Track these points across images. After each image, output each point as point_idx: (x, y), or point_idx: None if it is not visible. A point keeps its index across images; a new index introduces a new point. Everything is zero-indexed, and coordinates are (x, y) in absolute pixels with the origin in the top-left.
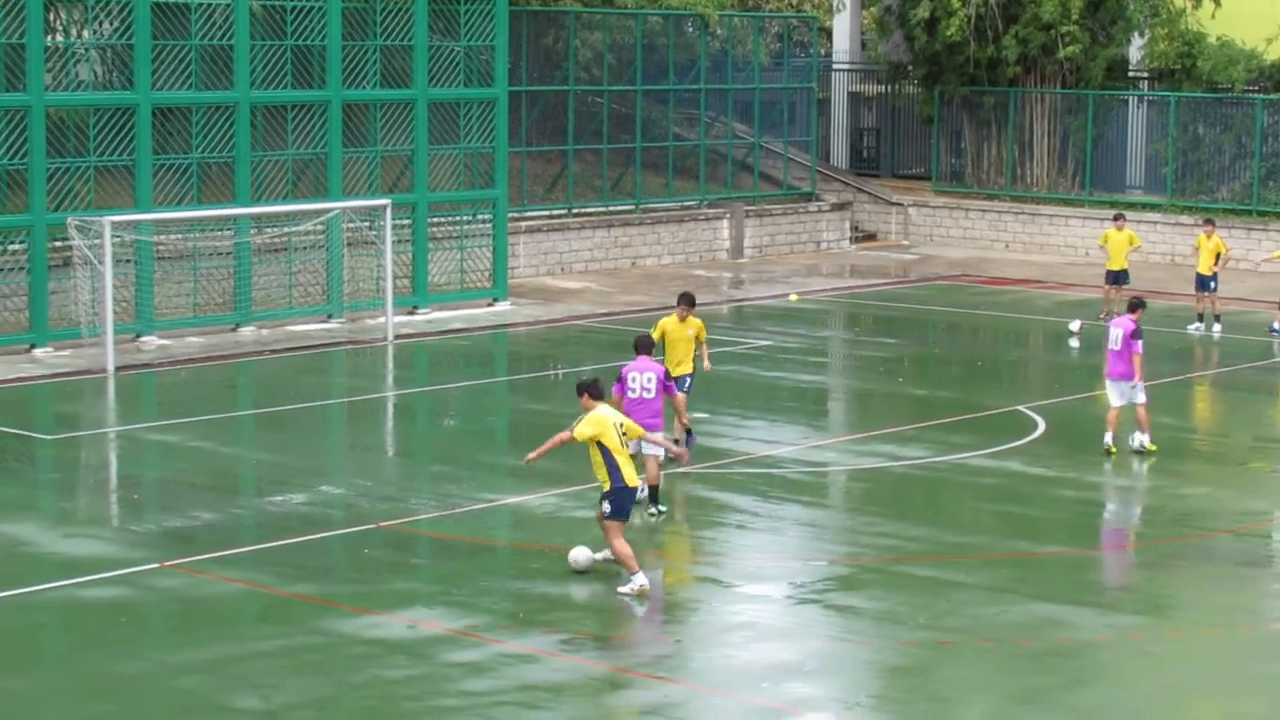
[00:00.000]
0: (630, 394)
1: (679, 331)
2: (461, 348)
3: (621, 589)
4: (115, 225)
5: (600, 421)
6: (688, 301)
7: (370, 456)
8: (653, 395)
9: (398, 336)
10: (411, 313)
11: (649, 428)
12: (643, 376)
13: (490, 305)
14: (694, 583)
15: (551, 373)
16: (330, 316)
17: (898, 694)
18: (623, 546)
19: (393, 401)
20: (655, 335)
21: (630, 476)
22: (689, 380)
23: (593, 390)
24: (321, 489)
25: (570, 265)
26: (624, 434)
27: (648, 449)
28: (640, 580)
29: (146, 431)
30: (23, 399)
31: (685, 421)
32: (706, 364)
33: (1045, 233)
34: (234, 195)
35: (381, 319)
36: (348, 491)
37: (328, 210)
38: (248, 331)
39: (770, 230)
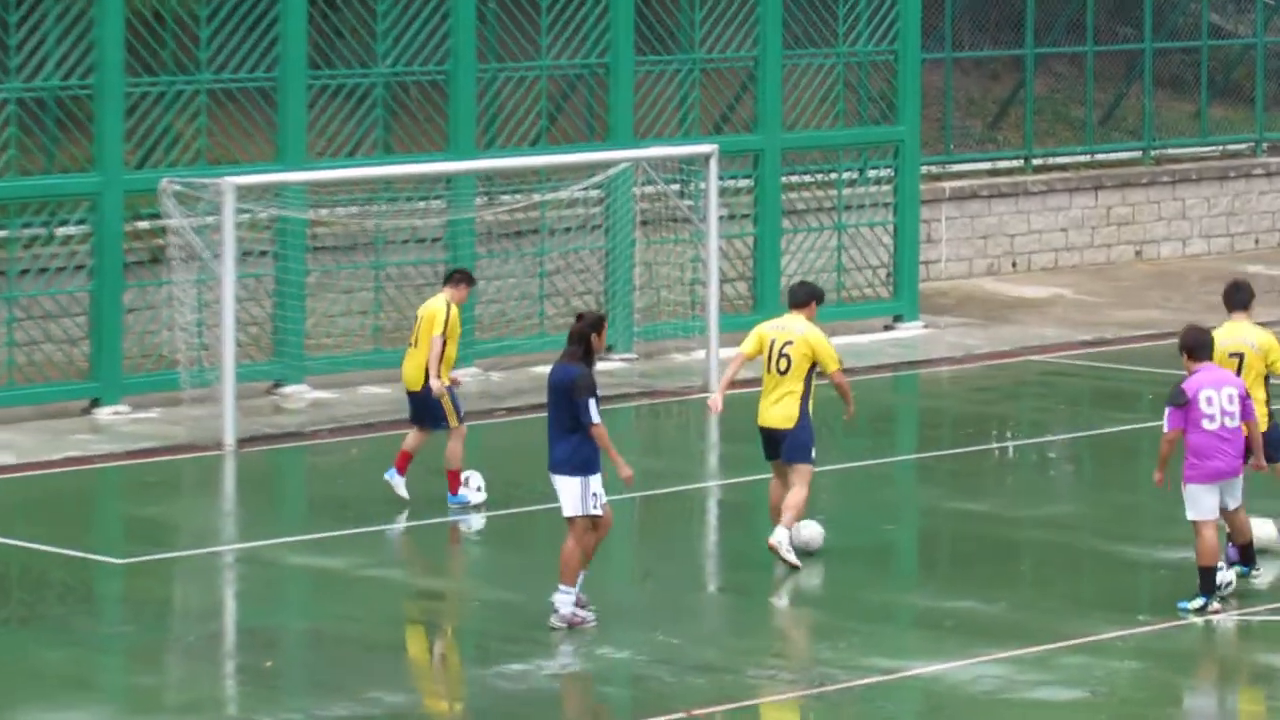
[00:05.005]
0: (1207, 424)
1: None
2: (838, 403)
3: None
4: (242, 191)
5: None
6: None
7: (691, 594)
8: (1235, 423)
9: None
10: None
11: (1236, 470)
12: (1221, 395)
13: (890, 328)
14: None
15: (998, 446)
16: (610, 349)
17: None
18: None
19: (717, 496)
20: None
21: (760, 415)
22: None
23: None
24: (600, 652)
25: (1029, 257)
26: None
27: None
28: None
29: (289, 550)
30: (76, 495)
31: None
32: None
33: None
34: (447, 141)
35: (699, 353)
36: (642, 655)
37: (609, 164)
38: (464, 376)
39: None
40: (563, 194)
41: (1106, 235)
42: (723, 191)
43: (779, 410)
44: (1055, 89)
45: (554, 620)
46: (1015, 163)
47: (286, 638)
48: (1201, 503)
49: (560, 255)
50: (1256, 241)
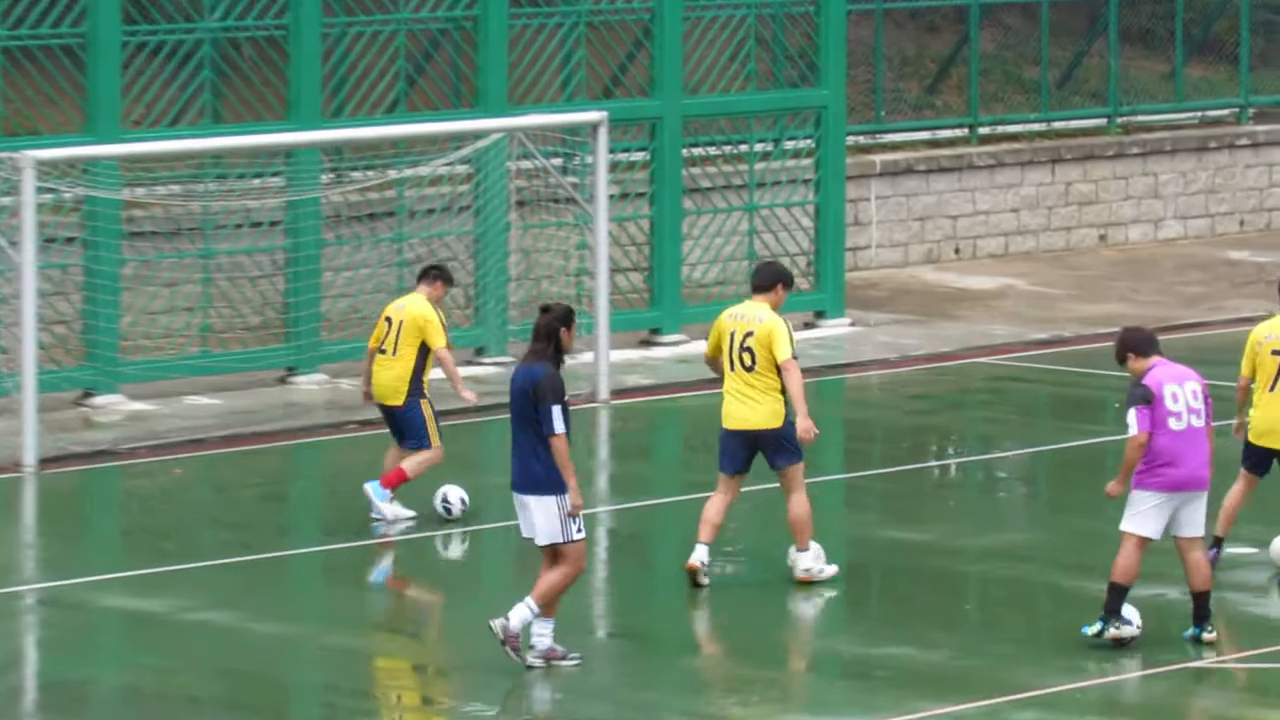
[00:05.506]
0: (1174, 424)
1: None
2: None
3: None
4: (44, 166)
5: None
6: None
7: (577, 639)
8: (1202, 422)
9: (618, 393)
10: (649, 342)
11: (1202, 481)
12: (1185, 390)
13: (811, 325)
14: None
15: (938, 464)
16: (481, 352)
17: None
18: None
19: (607, 524)
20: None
21: (729, 417)
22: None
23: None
24: (468, 709)
25: (974, 242)
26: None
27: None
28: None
29: (101, 590)
30: None
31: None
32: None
33: None
34: (287, 108)
35: (587, 356)
36: (519, 714)
37: (479, 135)
38: (310, 383)
39: None
40: (424, 170)
41: (1065, 216)
42: (613, 166)
43: (762, 408)
44: (1005, 45)
45: (530, 657)
46: (958, 132)
47: (98, 693)
48: (1146, 516)
49: (422, 242)
50: (1241, 223)
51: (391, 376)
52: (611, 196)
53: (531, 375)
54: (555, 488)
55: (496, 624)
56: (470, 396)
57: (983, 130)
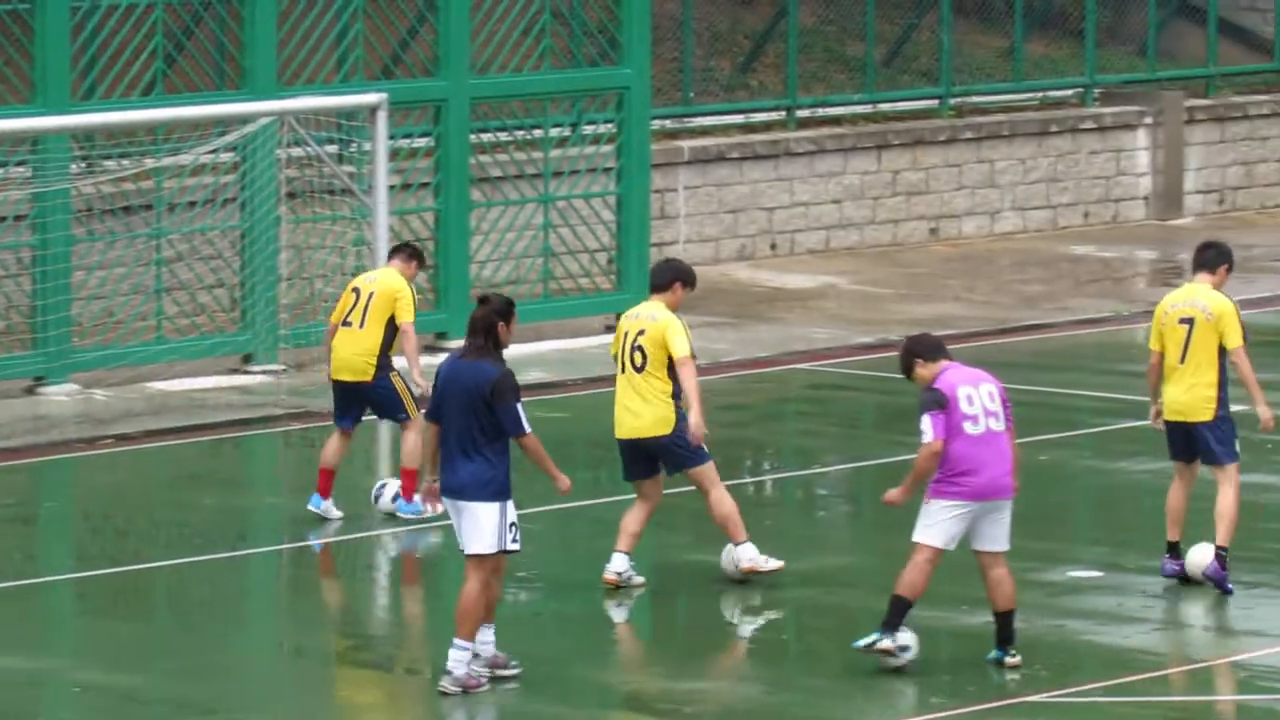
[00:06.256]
0: (970, 428)
1: None
2: (546, 427)
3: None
4: None
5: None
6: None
7: (341, 670)
8: (1001, 426)
9: None
10: (433, 348)
11: (1005, 489)
12: (980, 392)
13: (612, 328)
14: None
15: (752, 480)
16: (249, 359)
17: None
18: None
19: (389, 550)
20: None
21: (619, 425)
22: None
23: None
24: None
25: (792, 237)
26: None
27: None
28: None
29: None
30: None
31: None
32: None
33: None
34: (32, 90)
35: None
36: None
37: (245, 119)
38: (60, 394)
39: (1247, 152)
40: (185, 158)
41: (892, 208)
42: (394, 154)
43: (647, 414)
44: (826, 19)
45: (445, 683)
46: (774, 115)
47: None
48: (943, 526)
49: (182, 237)
50: (1086, 215)
51: (359, 350)
52: (392, 187)
53: (483, 373)
54: (496, 494)
55: (446, 684)
56: (425, 385)
57: (802, 113)
